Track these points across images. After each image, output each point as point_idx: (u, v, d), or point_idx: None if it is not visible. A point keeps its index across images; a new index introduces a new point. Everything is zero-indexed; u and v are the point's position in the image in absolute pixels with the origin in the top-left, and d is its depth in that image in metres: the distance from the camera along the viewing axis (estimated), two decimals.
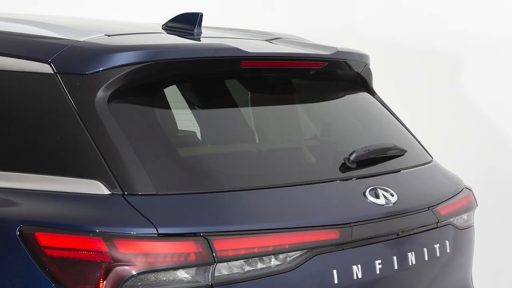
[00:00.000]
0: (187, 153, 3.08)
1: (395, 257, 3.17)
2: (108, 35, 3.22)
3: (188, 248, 2.72)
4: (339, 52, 3.52)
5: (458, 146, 5.85)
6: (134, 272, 2.67)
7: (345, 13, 6.17)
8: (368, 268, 3.08)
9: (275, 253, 2.86)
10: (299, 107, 3.62)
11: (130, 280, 2.68)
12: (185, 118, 3.33)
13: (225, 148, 3.25)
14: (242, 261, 2.80)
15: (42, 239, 2.74)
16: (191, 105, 3.34)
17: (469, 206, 3.66)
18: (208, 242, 2.74)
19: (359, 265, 3.05)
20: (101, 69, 2.93)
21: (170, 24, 3.59)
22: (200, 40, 3.45)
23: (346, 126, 3.67)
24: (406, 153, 3.51)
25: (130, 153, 2.83)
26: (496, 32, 5.78)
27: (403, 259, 3.21)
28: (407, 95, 5.91)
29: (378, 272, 3.11)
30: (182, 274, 2.73)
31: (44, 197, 2.85)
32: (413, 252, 3.25)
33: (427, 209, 3.37)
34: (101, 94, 2.91)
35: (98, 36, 3.17)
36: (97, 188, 2.80)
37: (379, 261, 3.11)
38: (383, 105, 3.82)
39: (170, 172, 2.89)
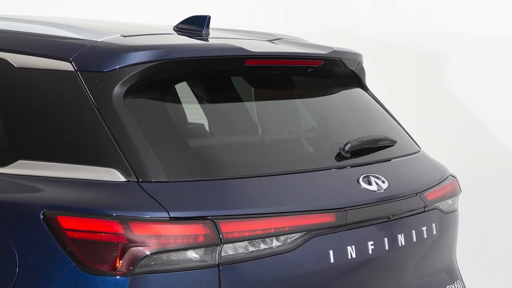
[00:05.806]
0: (196, 143, 3.09)
1: (386, 239, 3.18)
2: (124, 36, 3.22)
3: (197, 230, 2.73)
4: (335, 52, 3.52)
5: (444, 137, 5.86)
6: (147, 252, 2.68)
7: (341, 15, 6.17)
8: (361, 248, 3.08)
9: (277, 235, 2.87)
10: (298, 101, 3.62)
11: (144, 260, 2.69)
12: (194, 112, 3.33)
13: (231, 139, 3.25)
14: (246, 242, 2.81)
15: (64, 222, 2.74)
16: (200, 100, 3.34)
17: (454, 192, 3.66)
18: (215, 225, 2.75)
19: (353, 246, 3.05)
20: (117, 67, 2.94)
21: (180, 26, 3.58)
22: (208, 41, 3.44)
23: (341, 119, 3.67)
24: (396, 143, 3.51)
25: (144, 144, 2.84)
26: (479, 32, 5.78)
27: (393, 241, 3.21)
28: (397, 91, 5.91)
29: (370, 252, 3.11)
30: (192, 254, 2.74)
31: (66, 183, 2.86)
32: (402, 234, 3.25)
33: (415, 194, 3.38)
34: (118, 90, 2.91)
35: (114, 37, 3.17)
36: (114, 175, 2.81)
37: (372, 242, 3.12)
38: (375, 100, 3.82)
39: (181, 161, 2.90)
